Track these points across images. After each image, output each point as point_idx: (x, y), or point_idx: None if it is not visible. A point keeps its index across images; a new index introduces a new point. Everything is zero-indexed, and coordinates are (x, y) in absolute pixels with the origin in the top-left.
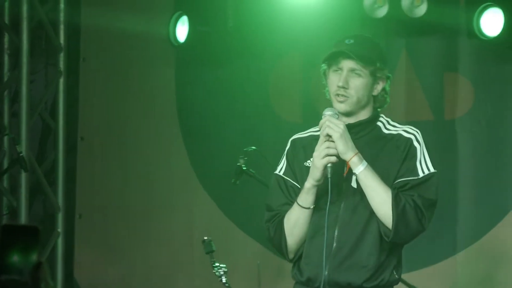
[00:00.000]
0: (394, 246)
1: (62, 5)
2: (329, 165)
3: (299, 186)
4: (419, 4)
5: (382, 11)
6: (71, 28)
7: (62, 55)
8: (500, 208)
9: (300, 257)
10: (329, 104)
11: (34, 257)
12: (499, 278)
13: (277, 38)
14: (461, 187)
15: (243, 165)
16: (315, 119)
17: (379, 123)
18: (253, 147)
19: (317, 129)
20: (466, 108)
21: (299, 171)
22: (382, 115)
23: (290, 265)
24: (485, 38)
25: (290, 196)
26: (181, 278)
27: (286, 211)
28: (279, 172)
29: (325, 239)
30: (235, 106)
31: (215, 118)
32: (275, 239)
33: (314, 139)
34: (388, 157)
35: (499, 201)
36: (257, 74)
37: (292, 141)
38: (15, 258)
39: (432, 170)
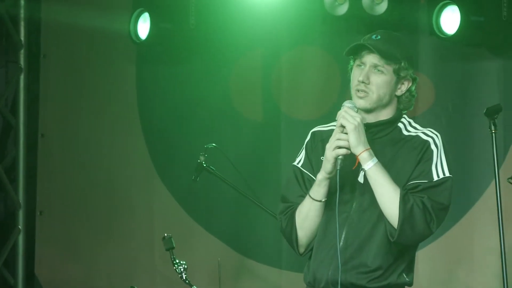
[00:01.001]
0: (403, 249)
1: (22, 2)
2: (340, 157)
3: (315, 179)
4: (379, 2)
5: (343, 9)
6: (31, 25)
7: (22, 51)
8: (460, 206)
9: (310, 252)
10: (289, 103)
11: None
12: (460, 276)
13: (238, 35)
14: None
15: (203, 162)
16: (275, 117)
17: (400, 124)
18: (213, 144)
19: None
20: (426, 105)
21: (316, 164)
22: (405, 116)
23: (251, 262)
24: (444, 36)
25: (306, 188)
26: (142, 275)
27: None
28: (297, 163)
29: (337, 236)
30: (196, 103)
31: (176, 115)
32: (286, 231)
33: None
34: (404, 158)
35: (459, 200)
36: (218, 72)
37: (312, 133)
38: None
39: (447, 174)
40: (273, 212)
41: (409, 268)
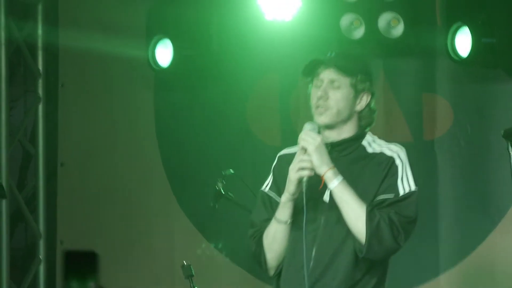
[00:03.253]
0: (373, 265)
1: (40, 31)
2: (304, 179)
3: None
4: (395, 25)
5: (359, 32)
6: (49, 54)
7: (40, 81)
8: (481, 228)
9: (280, 274)
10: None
11: (91, 283)
12: None
13: (255, 60)
14: (442, 208)
15: (221, 189)
16: (294, 142)
17: (364, 142)
18: (231, 171)
19: None
20: (445, 128)
21: (283, 187)
22: (369, 133)
23: None
24: (458, 59)
25: (273, 212)
26: None
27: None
28: (264, 188)
29: (304, 256)
30: (214, 130)
31: (195, 142)
32: (255, 255)
33: None
34: (369, 176)
35: (480, 222)
36: (236, 97)
37: (279, 157)
38: (75, 284)
39: (413, 188)
40: None
41: (379, 284)
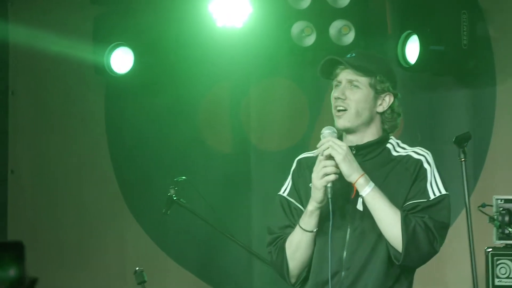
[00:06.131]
0: (403, 271)
1: None
2: (329, 185)
3: (302, 209)
4: (346, 32)
5: (310, 40)
6: None
7: None
8: None
9: (304, 282)
10: (258, 134)
11: (18, 274)
12: None
13: (207, 68)
14: None
15: (173, 195)
16: (244, 149)
17: (388, 145)
18: (183, 177)
19: None
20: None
21: (304, 192)
22: (392, 137)
23: None
24: (407, 66)
25: (294, 218)
26: None
27: (289, 234)
28: (283, 193)
29: (329, 265)
30: (166, 137)
31: (146, 148)
32: (277, 263)
33: None
34: (397, 179)
35: None
36: (188, 105)
37: (298, 161)
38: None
39: (443, 192)
40: (244, 244)
41: None
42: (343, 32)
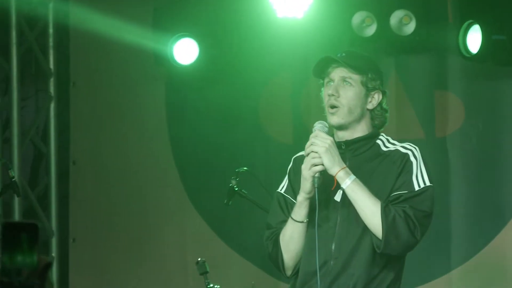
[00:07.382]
0: (389, 260)
1: (51, 30)
2: (316, 175)
3: None
4: (407, 22)
5: (371, 30)
6: (60, 53)
7: (52, 80)
8: (493, 225)
9: (297, 274)
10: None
11: (35, 257)
12: None
13: (268, 59)
14: (454, 204)
15: (235, 186)
16: (305, 140)
17: (378, 141)
18: (245, 168)
19: None
20: (457, 125)
21: (299, 189)
22: (382, 133)
23: (285, 286)
24: (470, 55)
25: (289, 213)
26: None
27: None
28: (281, 190)
29: (316, 255)
30: (227, 128)
31: (207, 140)
32: (272, 256)
33: None
34: (384, 173)
35: (492, 218)
36: (248, 96)
37: (294, 159)
38: (19, 258)
39: (428, 183)
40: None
41: (396, 280)
42: (404, 22)
